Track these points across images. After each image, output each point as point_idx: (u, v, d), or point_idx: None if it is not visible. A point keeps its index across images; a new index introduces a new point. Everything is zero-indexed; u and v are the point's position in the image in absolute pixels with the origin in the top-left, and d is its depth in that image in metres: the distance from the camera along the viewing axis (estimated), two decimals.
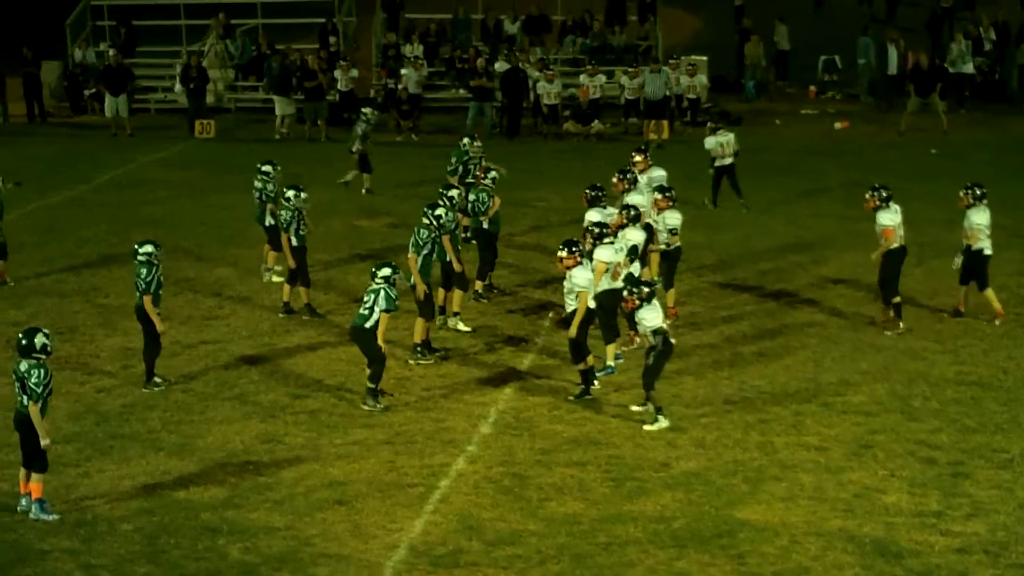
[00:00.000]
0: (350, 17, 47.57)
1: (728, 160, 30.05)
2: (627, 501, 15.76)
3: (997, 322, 21.66)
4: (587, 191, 22.38)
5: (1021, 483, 16.02)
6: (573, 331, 18.73)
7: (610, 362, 19.71)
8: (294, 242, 22.52)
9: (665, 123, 38.98)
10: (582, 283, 18.74)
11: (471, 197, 23.60)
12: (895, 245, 21.39)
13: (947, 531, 14.86)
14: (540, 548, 14.67)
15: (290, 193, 22.57)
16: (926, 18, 47.28)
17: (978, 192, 21.87)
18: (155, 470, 16.77)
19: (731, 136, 30.28)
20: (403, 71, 41.54)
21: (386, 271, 18.70)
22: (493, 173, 24.31)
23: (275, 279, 24.28)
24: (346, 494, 16.00)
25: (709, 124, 31.92)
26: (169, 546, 14.81)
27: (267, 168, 24.65)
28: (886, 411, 18.37)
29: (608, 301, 19.42)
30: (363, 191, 31.61)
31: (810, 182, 33.00)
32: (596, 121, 39.89)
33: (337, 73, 41.57)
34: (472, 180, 25.55)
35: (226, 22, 46.36)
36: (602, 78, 40.78)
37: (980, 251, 21.69)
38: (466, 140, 27.62)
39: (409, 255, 20.62)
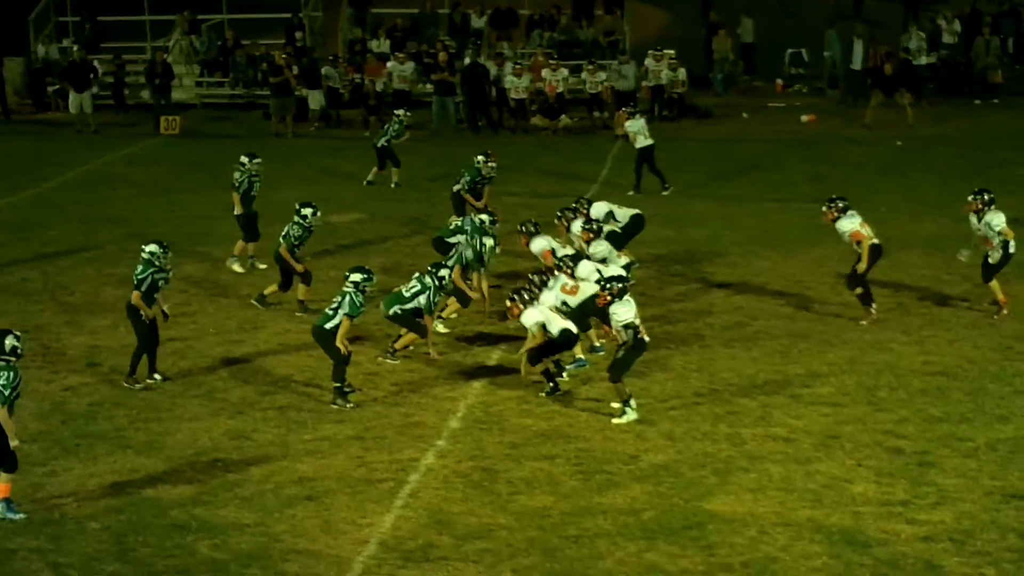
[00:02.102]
0: (317, 12, 47.47)
1: (648, 141, 30.83)
2: (597, 494, 15.78)
3: (1004, 311, 21.87)
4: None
5: (986, 471, 16.10)
6: (522, 359, 19.06)
7: (581, 355, 19.72)
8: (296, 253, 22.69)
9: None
10: (532, 321, 18.89)
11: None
12: (871, 243, 21.39)
13: (913, 520, 14.92)
14: (510, 542, 14.68)
15: (306, 211, 22.63)
16: (893, 12, 47.43)
17: (986, 197, 21.98)
18: (123, 468, 16.72)
19: (643, 121, 31.37)
20: (388, 66, 41.44)
21: (357, 276, 18.66)
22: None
23: (236, 268, 24.51)
24: (315, 490, 15.98)
25: (625, 110, 32.94)
26: (137, 544, 14.77)
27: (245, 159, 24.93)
28: (853, 402, 18.44)
29: (578, 310, 19.66)
30: (392, 185, 32.03)
31: (778, 176, 33.09)
32: (564, 115, 39.94)
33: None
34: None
35: (191, 18, 46.25)
36: (565, 72, 40.77)
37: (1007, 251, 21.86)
38: (480, 158, 26.94)
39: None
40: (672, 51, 42.09)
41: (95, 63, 43.43)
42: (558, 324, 18.84)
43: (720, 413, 18.12)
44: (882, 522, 14.89)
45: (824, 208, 21.89)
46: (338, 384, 18.61)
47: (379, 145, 31.87)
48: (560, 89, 40.19)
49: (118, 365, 19.86)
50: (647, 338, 18.15)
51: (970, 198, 22.03)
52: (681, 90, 40.70)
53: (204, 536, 14.93)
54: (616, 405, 18.20)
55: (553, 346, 18.90)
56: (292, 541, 14.80)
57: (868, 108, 39.29)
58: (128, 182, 33.61)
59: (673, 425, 17.71)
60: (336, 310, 18.58)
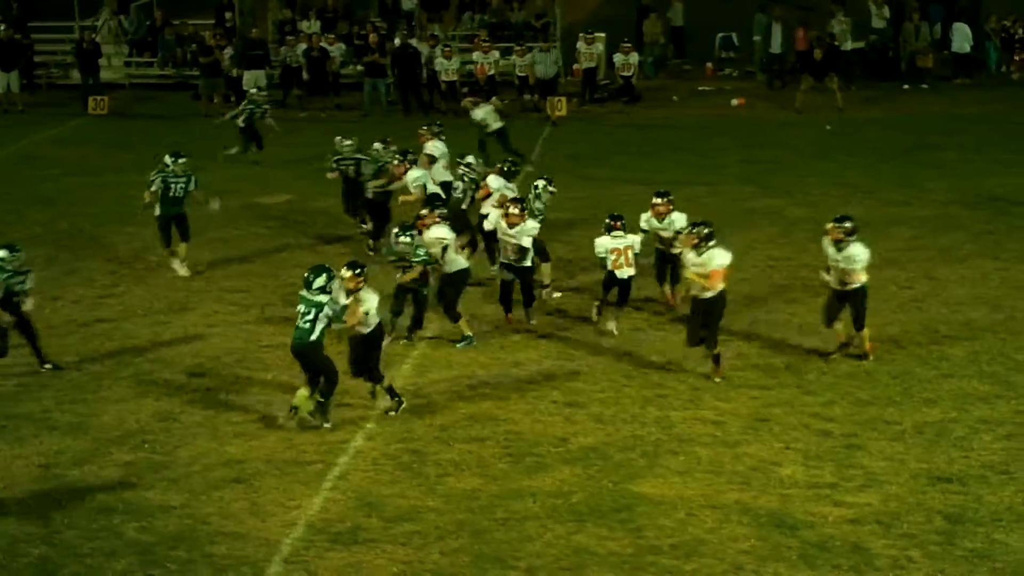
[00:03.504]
0: None
1: (498, 124, 31.68)
2: (525, 476, 15.79)
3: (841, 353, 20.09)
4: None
5: (913, 454, 16.21)
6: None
7: (468, 332, 20.12)
8: None
9: (563, 100, 38.97)
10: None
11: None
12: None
13: (841, 502, 15.01)
14: (439, 524, 14.66)
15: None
16: None
17: (848, 226, 19.20)
18: (49, 450, 16.59)
19: (489, 106, 32.32)
20: (330, 48, 41.21)
21: (321, 280, 16.97)
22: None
23: (181, 271, 23.96)
24: (243, 472, 15.91)
25: (469, 99, 34.03)
26: (64, 526, 14.66)
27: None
28: (781, 385, 18.52)
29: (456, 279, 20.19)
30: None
31: (708, 159, 33.16)
32: (494, 98, 39.82)
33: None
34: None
35: None
36: (496, 54, 40.65)
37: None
38: (377, 145, 26.09)
39: None
40: (603, 34, 42.19)
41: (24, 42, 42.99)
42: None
43: (649, 396, 18.16)
44: (810, 504, 14.97)
45: (830, 226, 19.45)
46: (324, 400, 17.20)
47: (241, 125, 31.95)
48: (491, 71, 40.08)
49: (43, 346, 19.64)
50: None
51: (830, 225, 19.29)
52: (631, 73, 40.62)
53: (131, 518, 14.83)
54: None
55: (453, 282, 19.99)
56: (219, 523, 14.73)
57: (798, 92, 39.42)
58: (56, 162, 33.33)
59: (602, 408, 17.73)
60: (312, 322, 16.85)
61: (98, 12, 46.00)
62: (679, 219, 21.25)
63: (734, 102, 40.87)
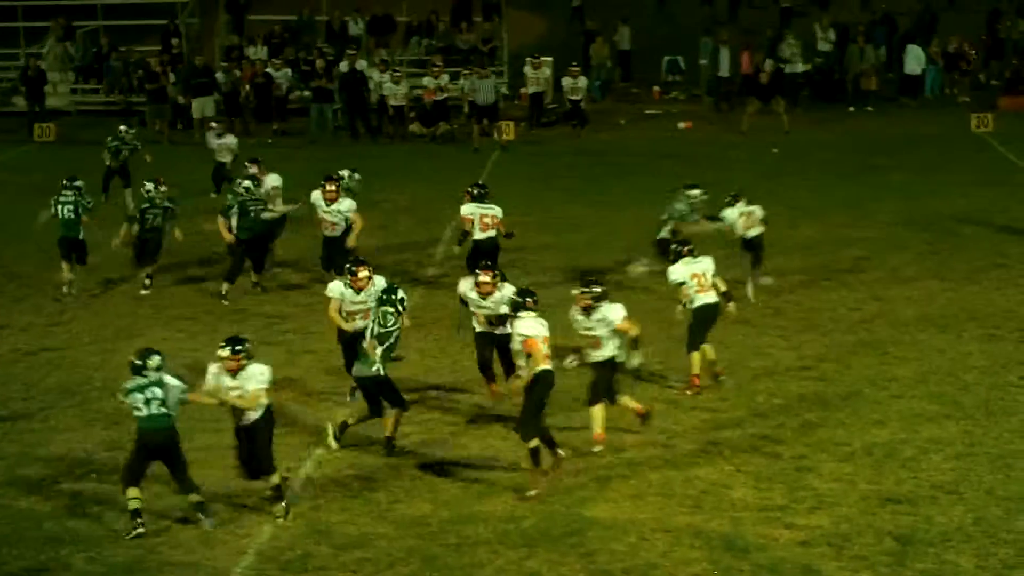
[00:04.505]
0: (193, 18, 47.06)
1: (228, 157, 31.43)
2: (476, 501, 15.75)
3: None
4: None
5: (862, 475, 16.25)
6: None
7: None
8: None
9: (511, 124, 39.00)
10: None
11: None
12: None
13: (792, 524, 15.03)
14: (389, 551, 14.60)
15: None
16: (769, 20, 47.88)
17: (597, 291, 17.57)
18: None
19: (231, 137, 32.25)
20: (275, 74, 41.12)
21: (155, 360, 15.24)
22: (247, 183, 24.48)
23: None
24: (193, 500, 15.78)
25: (214, 124, 33.71)
26: (11, 557, 14.53)
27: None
28: (732, 407, 18.55)
29: None
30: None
31: (655, 182, 33.12)
32: (442, 122, 39.86)
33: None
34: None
35: (66, 24, 45.66)
36: (446, 78, 40.64)
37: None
38: (345, 172, 25.36)
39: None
40: (550, 58, 42.30)
41: None
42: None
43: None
44: (761, 527, 14.99)
45: (576, 292, 17.74)
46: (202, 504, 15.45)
47: (110, 166, 31.10)
48: (440, 97, 40.05)
49: None
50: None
51: (576, 291, 17.61)
52: (580, 97, 40.69)
53: (79, 548, 14.72)
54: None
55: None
56: (169, 553, 14.64)
57: (744, 115, 39.61)
58: (2, 189, 33.11)
59: (553, 432, 17.65)
60: (164, 405, 15.18)
61: (44, 39, 45.77)
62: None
63: (681, 125, 41.02)
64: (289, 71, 41.65)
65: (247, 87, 40.73)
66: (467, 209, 22.93)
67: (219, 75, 41.09)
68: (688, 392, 18.91)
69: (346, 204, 23.46)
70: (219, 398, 15.48)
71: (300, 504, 15.71)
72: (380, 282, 18.18)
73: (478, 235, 22.74)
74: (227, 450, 17.08)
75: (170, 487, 15.93)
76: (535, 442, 15.95)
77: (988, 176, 32.85)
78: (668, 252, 20.45)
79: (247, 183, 24.36)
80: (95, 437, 17.76)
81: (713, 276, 19.32)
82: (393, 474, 16.48)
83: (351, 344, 18.16)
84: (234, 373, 15.38)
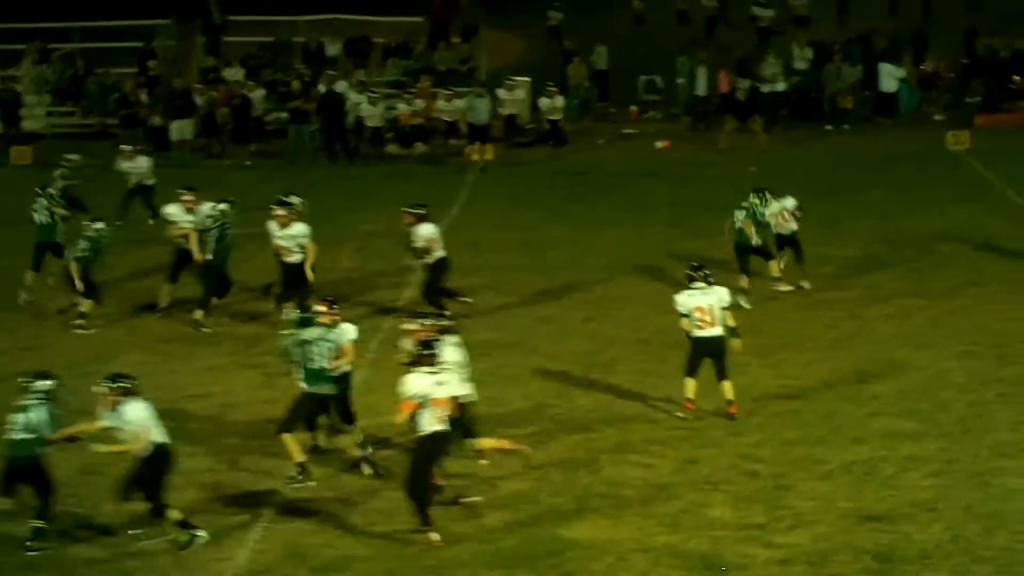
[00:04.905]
0: (170, 41, 46.94)
1: (150, 181, 31.18)
2: (455, 523, 15.69)
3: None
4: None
5: (841, 494, 16.23)
6: None
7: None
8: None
9: (490, 146, 39.05)
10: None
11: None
12: None
13: (770, 543, 15.00)
14: (368, 573, 14.56)
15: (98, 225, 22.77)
16: (747, 39, 48.03)
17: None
18: None
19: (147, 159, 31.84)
20: (251, 96, 41.10)
21: (44, 384, 15.62)
22: (223, 206, 24.14)
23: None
24: (170, 523, 15.69)
25: (122, 146, 33.32)
26: None
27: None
28: (710, 426, 18.53)
29: None
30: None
31: (634, 202, 33.24)
32: (419, 143, 39.85)
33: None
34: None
35: (42, 47, 45.54)
36: (420, 103, 40.70)
37: None
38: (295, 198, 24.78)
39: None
40: (527, 79, 42.37)
41: None
42: None
43: (578, 439, 18.12)
44: (739, 546, 14.96)
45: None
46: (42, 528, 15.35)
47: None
48: (417, 122, 40.09)
49: None
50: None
51: (411, 324, 17.02)
52: (558, 117, 40.75)
53: (56, 574, 14.66)
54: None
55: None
56: None
57: (722, 134, 39.66)
58: None
59: (531, 452, 17.65)
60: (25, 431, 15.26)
61: (20, 61, 45.63)
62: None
63: (659, 144, 41.01)
64: (264, 91, 41.62)
65: (224, 109, 40.68)
66: (432, 230, 22.94)
67: (197, 97, 41.04)
68: (679, 415, 18.84)
69: (298, 228, 23.10)
70: (91, 432, 15.54)
71: (278, 527, 15.64)
72: (348, 327, 17.62)
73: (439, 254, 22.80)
74: (203, 473, 17.10)
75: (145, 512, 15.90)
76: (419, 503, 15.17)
77: (965, 193, 32.91)
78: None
79: (223, 206, 24.19)
80: (72, 462, 17.57)
81: (723, 309, 18.90)
82: (370, 497, 16.43)
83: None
84: (113, 408, 15.26)
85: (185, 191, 24.44)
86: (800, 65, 44.71)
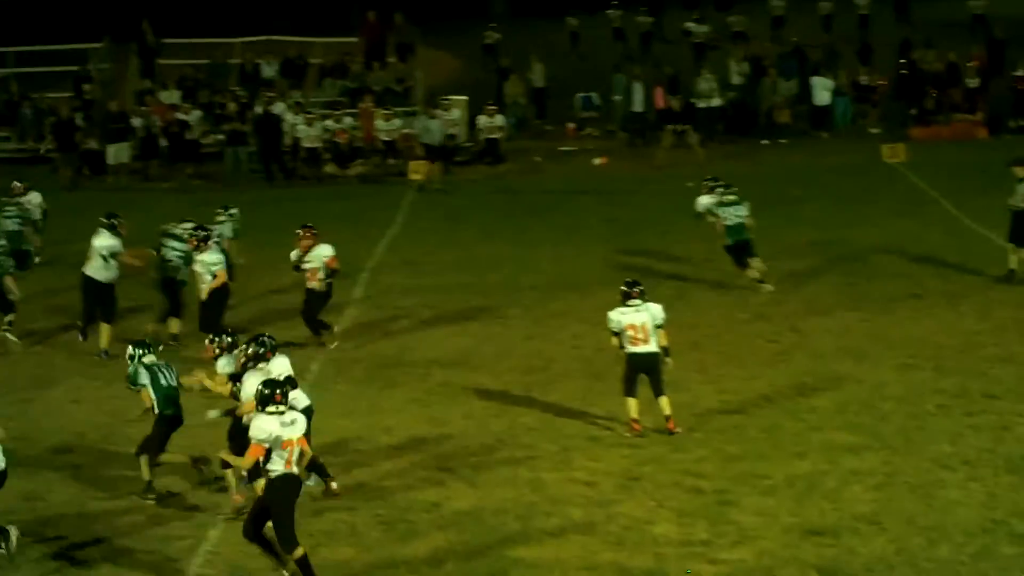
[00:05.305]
0: (104, 64, 46.76)
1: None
2: (399, 544, 15.64)
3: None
4: None
5: (784, 508, 16.28)
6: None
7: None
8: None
9: (439, 165, 39.05)
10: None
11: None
12: None
13: (715, 559, 15.02)
14: None
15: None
16: (683, 55, 48.27)
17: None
18: None
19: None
20: (187, 118, 40.93)
21: None
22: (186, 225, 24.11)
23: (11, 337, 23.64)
24: (112, 550, 15.62)
25: (16, 184, 31.49)
26: None
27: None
28: (652, 443, 18.54)
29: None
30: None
31: (573, 219, 33.33)
32: (357, 162, 39.82)
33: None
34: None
35: None
36: (349, 120, 40.76)
37: None
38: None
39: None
40: (465, 97, 42.44)
41: None
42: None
43: (520, 457, 18.11)
44: (684, 562, 14.97)
45: None
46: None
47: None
48: (356, 144, 40.11)
49: None
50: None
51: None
52: (499, 135, 40.83)
53: None
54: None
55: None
56: None
57: (658, 149, 39.82)
58: None
59: (473, 471, 17.65)
60: None
61: None
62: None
63: (596, 161, 41.17)
64: (200, 113, 41.51)
65: (159, 129, 40.54)
66: (331, 251, 23.15)
67: (134, 120, 40.88)
68: (628, 435, 18.83)
69: (213, 257, 23.02)
70: None
71: (222, 551, 15.57)
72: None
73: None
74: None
75: (88, 536, 15.80)
76: (300, 551, 14.58)
77: (901, 206, 33.15)
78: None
79: (186, 225, 24.04)
80: (13, 488, 17.31)
81: (656, 327, 18.82)
82: (314, 519, 16.34)
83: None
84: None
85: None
86: (737, 80, 44.98)
